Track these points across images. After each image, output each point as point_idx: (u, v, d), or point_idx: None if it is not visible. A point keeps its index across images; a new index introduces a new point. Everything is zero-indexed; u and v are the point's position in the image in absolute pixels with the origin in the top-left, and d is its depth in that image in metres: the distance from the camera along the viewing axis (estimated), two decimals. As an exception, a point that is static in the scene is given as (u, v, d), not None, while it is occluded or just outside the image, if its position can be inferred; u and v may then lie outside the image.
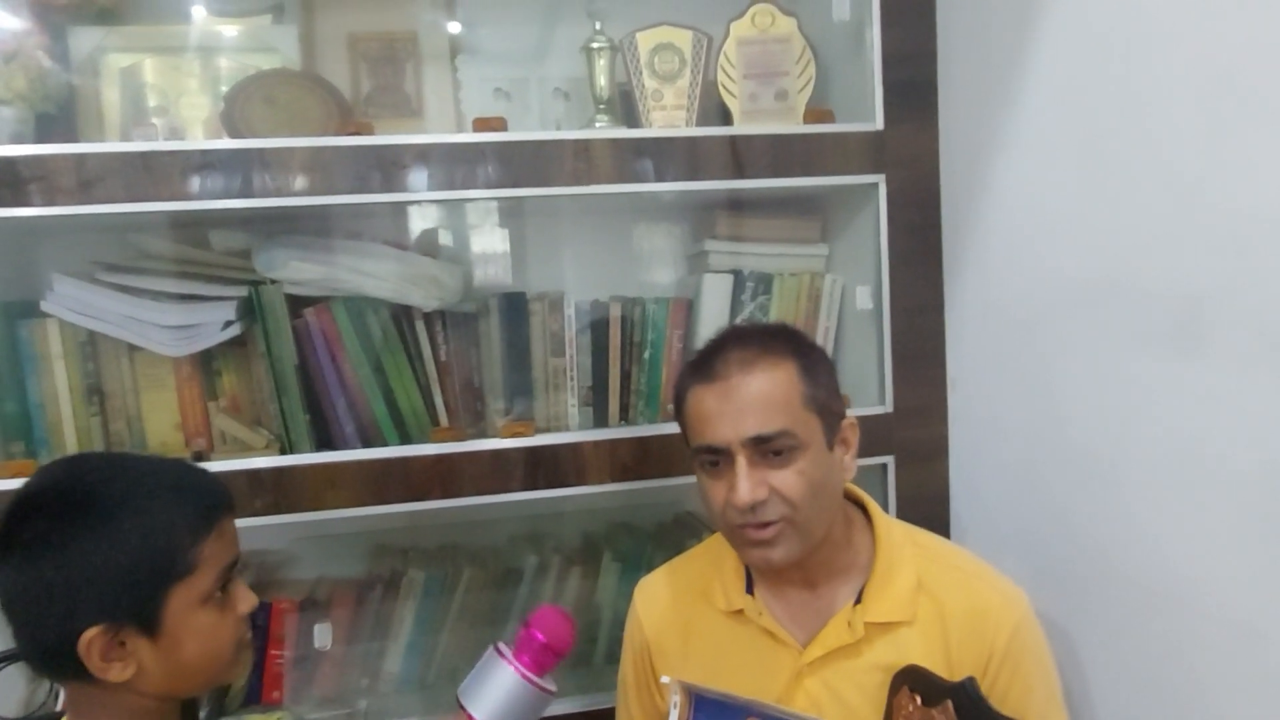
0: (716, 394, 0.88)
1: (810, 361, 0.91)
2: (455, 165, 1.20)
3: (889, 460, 1.35)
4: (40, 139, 1.21)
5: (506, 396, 1.37)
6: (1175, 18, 0.96)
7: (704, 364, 0.91)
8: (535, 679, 0.85)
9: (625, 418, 1.42)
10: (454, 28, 1.42)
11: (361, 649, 1.40)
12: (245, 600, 0.82)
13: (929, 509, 1.36)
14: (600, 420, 1.41)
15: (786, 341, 0.92)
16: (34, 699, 1.22)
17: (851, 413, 1.01)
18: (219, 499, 0.81)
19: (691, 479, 1.30)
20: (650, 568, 1.47)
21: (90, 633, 0.73)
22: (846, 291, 1.44)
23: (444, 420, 1.34)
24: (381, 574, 1.43)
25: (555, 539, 1.52)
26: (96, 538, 0.74)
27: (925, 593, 0.90)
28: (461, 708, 0.86)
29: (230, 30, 1.32)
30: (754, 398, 0.86)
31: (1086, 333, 1.13)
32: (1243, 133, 0.89)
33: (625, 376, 1.42)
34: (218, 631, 0.79)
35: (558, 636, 0.87)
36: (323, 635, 1.33)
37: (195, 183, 1.14)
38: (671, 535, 1.54)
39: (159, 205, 1.13)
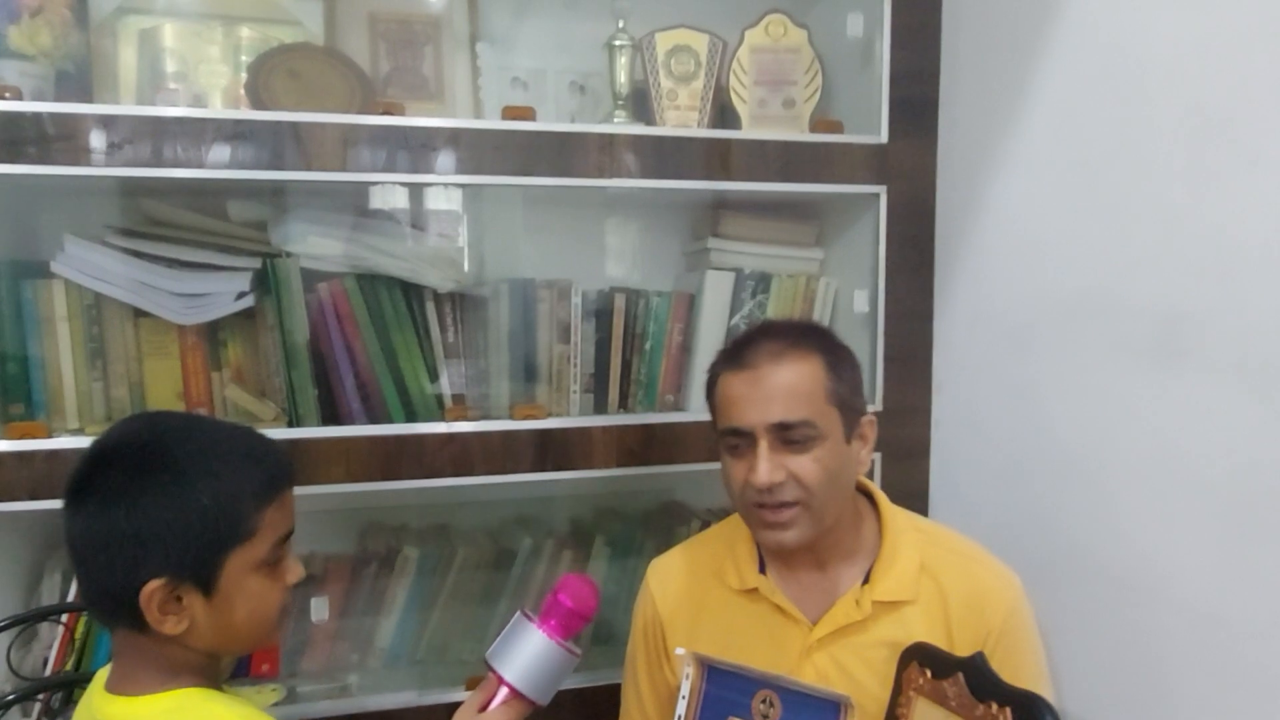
0: (745, 381, 0.93)
1: (836, 359, 0.96)
2: (483, 151, 1.23)
3: (875, 457, 1.42)
4: (57, 98, 1.19)
5: (512, 380, 1.40)
6: (1171, 61, 1.06)
7: (736, 353, 0.96)
8: (562, 641, 0.89)
9: (624, 406, 1.46)
10: (474, 14, 1.44)
11: (353, 624, 1.42)
12: (293, 572, 0.85)
13: (909, 505, 1.40)
14: (600, 407, 1.45)
15: (816, 339, 0.97)
16: (21, 668, 1.20)
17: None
18: (284, 470, 0.83)
19: (689, 467, 1.37)
20: (640, 553, 1.54)
21: (152, 585, 0.75)
22: (840, 295, 1.51)
23: (449, 402, 1.36)
24: (377, 550, 1.44)
25: (547, 523, 1.56)
26: (169, 494, 0.76)
27: (928, 574, 0.97)
28: (491, 669, 0.88)
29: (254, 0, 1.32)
30: (780, 387, 0.91)
31: (1070, 344, 1.21)
32: (1228, 170, 0.99)
33: (626, 366, 1.46)
34: (266, 598, 0.82)
35: (583, 602, 0.91)
36: (319, 609, 1.34)
37: (220, 152, 1.15)
38: (659, 522, 1.59)
39: (188, 172, 1.13)
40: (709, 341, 1.47)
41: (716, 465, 1.33)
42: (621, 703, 1.13)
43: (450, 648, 1.45)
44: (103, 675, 0.85)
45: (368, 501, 1.48)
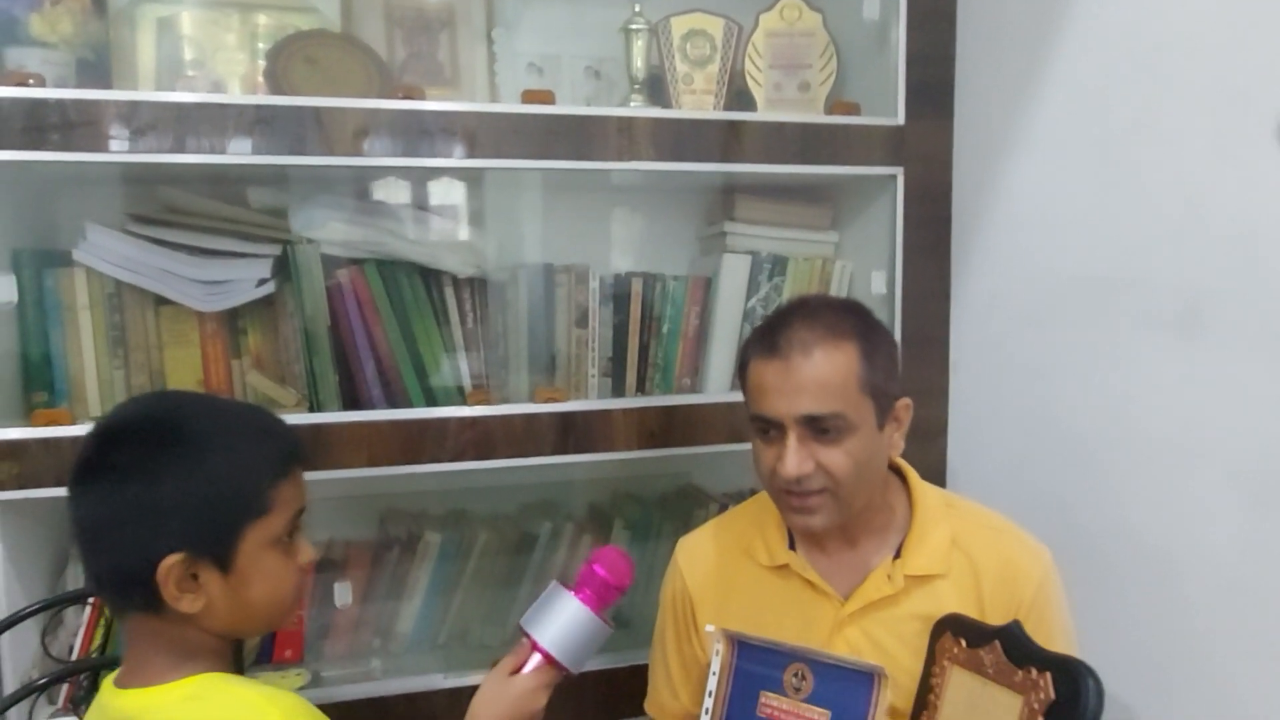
0: (776, 370, 0.91)
1: (872, 345, 0.93)
2: (502, 135, 1.23)
3: (894, 437, 1.43)
4: (78, 85, 1.19)
5: (531, 365, 1.40)
6: (1192, 37, 1.06)
7: (769, 336, 0.93)
8: (597, 612, 0.89)
9: (641, 389, 1.47)
10: (490, 0, 1.44)
11: (375, 609, 1.42)
12: (306, 551, 0.84)
13: (927, 485, 1.45)
14: (618, 390, 1.45)
15: (852, 324, 0.93)
16: (47, 655, 1.20)
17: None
18: (296, 446, 0.83)
19: (709, 448, 1.38)
20: (659, 536, 1.54)
21: (170, 560, 0.74)
22: (856, 278, 1.51)
23: (468, 386, 1.36)
24: (399, 536, 1.44)
25: (566, 507, 1.56)
26: (187, 467, 0.75)
27: (959, 548, 0.97)
28: (525, 635, 0.89)
29: (271, -13, 1.32)
30: (811, 379, 0.89)
31: (1089, 324, 1.22)
32: (1251, 144, 0.99)
33: (643, 349, 1.47)
34: (282, 576, 0.81)
35: (618, 573, 0.91)
36: (343, 594, 1.34)
37: (243, 138, 1.15)
38: (677, 505, 1.60)
39: (208, 158, 1.13)
40: (726, 325, 1.47)
41: (735, 447, 1.36)
42: (650, 680, 1.13)
43: (472, 632, 1.46)
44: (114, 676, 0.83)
45: (388, 487, 1.48)
